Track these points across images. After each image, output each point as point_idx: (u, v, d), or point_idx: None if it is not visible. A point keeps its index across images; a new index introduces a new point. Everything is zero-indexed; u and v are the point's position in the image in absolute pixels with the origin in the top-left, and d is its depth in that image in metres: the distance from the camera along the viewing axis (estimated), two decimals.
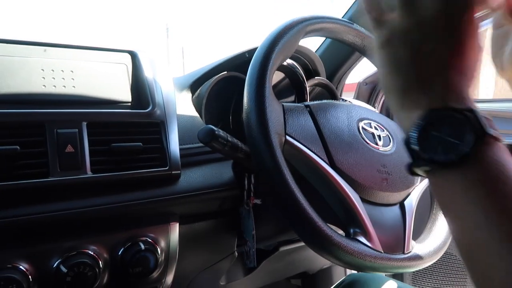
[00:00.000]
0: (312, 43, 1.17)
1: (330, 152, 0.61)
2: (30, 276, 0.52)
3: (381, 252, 0.57)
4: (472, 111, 0.32)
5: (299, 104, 0.65)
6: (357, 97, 1.36)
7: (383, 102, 1.35)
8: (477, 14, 0.35)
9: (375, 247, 0.57)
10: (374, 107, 1.34)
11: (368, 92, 1.37)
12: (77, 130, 0.58)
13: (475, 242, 0.31)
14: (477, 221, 0.30)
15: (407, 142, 0.35)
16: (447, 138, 0.32)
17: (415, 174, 0.36)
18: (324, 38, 1.14)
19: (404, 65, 0.35)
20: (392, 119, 1.07)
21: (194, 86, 0.83)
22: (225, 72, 0.81)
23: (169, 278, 0.67)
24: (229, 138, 0.62)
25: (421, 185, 0.70)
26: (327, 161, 0.60)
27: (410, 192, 0.68)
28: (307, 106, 0.65)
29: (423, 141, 0.33)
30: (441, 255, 0.66)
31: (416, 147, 0.34)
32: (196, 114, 0.78)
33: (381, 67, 0.38)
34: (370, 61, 0.80)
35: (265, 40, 0.61)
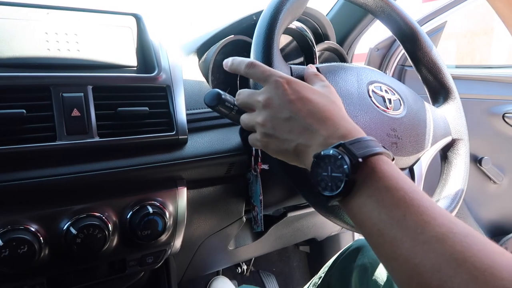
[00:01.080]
0: (324, 7, 1.13)
1: None
2: (41, 238, 0.53)
3: None
4: (341, 145, 0.41)
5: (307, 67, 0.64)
6: (368, 63, 1.33)
7: (395, 68, 1.32)
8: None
9: None
10: (386, 74, 1.31)
11: (380, 58, 1.33)
12: (82, 94, 0.57)
13: (385, 248, 0.37)
14: (378, 228, 0.37)
15: (314, 186, 0.43)
16: (332, 174, 0.40)
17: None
18: (337, 0, 1.11)
19: (282, 137, 0.47)
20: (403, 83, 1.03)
21: (200, 50, 0.81)
22: (232, 35, 0.79)
23: (178, 242, 0.68)
24: (236, 102, 0.61)
25: (431, 150, 0.69)
26: None
27: (420, 157, 0.67)
28: (316, 68, 0.64)
29: (320, 182, 0.42)
30: None
31: (319, 189, 0.42)
32: (203, 79, 0.77)
33: (269, 148, 0.50)
34: (383, 23, 0.77)
35: (272, 0, 0.59)
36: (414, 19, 1.26)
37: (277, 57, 0.56)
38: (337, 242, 1.32)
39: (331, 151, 0.41)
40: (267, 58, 0.55)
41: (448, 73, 0.77)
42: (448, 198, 0.69)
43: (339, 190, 0.40)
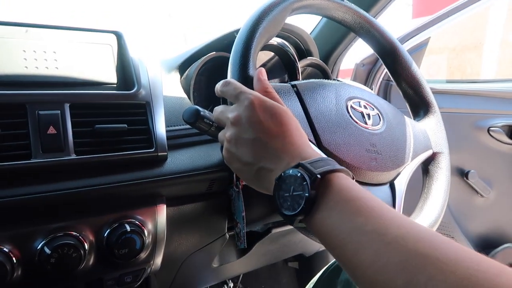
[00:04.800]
0: (308, 24, 1.15)
1: (316, 132, 0.60)
2: (14, 258, 0.52)
3: None
4: (300, 165, 0.42)
5: (285, 84, 0.64)
6: (355, 78, 1.34)
7: (380, 83, 1.33)
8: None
9: None
10: (372, 89, 1.32)
11: (366, 73, 1.35)
12: (59, 111, 0.57)
13: (349, 257, 0.37)
14: (342, 238, 0.38)
15: (277, 210, 0.44)
16: (293, 194, 0.42)
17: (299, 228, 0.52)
18: (320, 18, 1.12)
19: (243, 158, 0.48)
20: (389, 101, 1.04)
21: (182, 67, 0.82)
22: (213, 52, 0.80)
23: (158, 260, 0.67)
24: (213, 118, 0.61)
25: (412, 164, 0.69)
26: (314, 141, 0.59)
27: (400, 172, 0.67)
28: (293, 85, 0.64)
29: (283, 203, 0.43)
30: None
31: (282, 211, 0.43)
32: (184, 95, 0.77)
33: (231, 165, 0.51)
34: (363, 39, 0.78)
35: (249, 18, 0.59)
36: (400, 35, 1.28)
37: (253, 73, 0.56)
38: (326, 258, 1.30)
39: (291, 171, 0.42)
40: (242, 76, 0.55)
41: (428, 88, 0.77)
42: (430, 211, 0.69)
43: (300, 207, 0.41)
